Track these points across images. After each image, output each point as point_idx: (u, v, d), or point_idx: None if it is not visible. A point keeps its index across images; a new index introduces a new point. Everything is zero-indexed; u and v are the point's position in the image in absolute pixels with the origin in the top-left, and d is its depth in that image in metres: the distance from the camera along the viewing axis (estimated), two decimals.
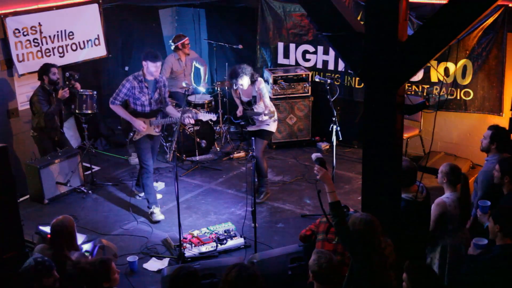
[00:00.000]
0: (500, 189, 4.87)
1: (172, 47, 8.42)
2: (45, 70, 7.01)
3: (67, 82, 7.10)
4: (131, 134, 6.49)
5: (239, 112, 6.98)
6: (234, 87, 6.87)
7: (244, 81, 6.73)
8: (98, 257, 4.05)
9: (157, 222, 6.52)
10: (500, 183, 4.83)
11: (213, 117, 6.78)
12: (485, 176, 5.12)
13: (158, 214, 6.57)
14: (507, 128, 6.08)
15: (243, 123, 7.09)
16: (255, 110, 6.84)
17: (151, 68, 6.35)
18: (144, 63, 6.38)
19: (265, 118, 6.78)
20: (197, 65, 8.80)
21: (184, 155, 8.07)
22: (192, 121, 6.62)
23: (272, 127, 6.95)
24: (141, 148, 6.51)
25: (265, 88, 6.87)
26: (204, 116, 6.70)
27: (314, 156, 4.29)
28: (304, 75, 8.44)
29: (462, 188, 4.81)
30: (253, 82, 6.78)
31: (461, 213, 4.74)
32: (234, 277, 3.61)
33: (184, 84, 8.16)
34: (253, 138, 6.01)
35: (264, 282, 3.73)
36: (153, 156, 6.74)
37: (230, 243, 6.02)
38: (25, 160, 7.17)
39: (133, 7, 8.92)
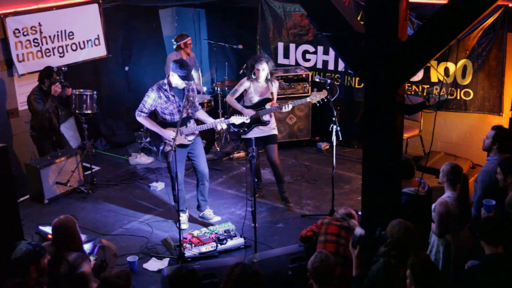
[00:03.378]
0: (500, 188, 4.86)
1: (174, 46, 8.41)
2: (47, 74, 7.02)
3: (57, 77, 7.08)
4: (162, 145, 6.13)
5: (249, 114, 6.51)
6: (252, 76, 6.52)
7: (263, 67, 6.44)
8: (121, 269, 4.09)
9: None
10: (506, 186, 4.81)
11: (246, 119, 6.20)
12: (485, 176, 5.12)
13: (184, 221, 6.43)
14: (508, 128, 6.09)
15: (244, 129, 6.64)
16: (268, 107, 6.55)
17: (177, 82, 5.94)
18: (171, 73, 5.93)
19: (289, 108, 6.54)
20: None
21: None
22: (225, 126, 6.25)
23: (276, 129, 6.85)
24: (172, 161, 5.97)
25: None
26: (237, 120, 6.17)
27: (357, 232, 4.11)
28: (304, 75, 8.43)
29: (462, 187, 4.81)
30: (270, 79, 6.59)
31: (460, 213, 4.74)
32: (238, 275, 3.61)
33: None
34: (253, 138, 5.98)
35: (265, 280, 3.74)
36: (201, 164, 6.38)
37: (230, 243, 6.01)
38: (25, 160, 7.17)
39: (133, 7, 8.92)
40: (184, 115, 6.11)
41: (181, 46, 8.32)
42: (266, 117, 6.61)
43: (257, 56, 6.69)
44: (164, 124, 6.10)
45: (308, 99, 6.56)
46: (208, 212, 6.53)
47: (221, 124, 6.15)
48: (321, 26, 4.70)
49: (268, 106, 6.59)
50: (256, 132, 6.63)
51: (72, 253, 4.35)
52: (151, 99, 6.03)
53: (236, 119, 6.15)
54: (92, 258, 4.98)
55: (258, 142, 6.65)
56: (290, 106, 6.59)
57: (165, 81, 6.05)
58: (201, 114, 6.31)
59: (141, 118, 6.09)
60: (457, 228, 4.77)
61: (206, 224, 6.49)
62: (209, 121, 6.22)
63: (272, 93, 6.66)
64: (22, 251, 4.06)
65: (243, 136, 6.71)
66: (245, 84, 6.66)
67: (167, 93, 6.02)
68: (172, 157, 5.81)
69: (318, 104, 6.61)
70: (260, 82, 6.60)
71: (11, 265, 4.09)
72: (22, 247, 4.08)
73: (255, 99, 6.65)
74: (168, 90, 6.02)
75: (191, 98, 6.14)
